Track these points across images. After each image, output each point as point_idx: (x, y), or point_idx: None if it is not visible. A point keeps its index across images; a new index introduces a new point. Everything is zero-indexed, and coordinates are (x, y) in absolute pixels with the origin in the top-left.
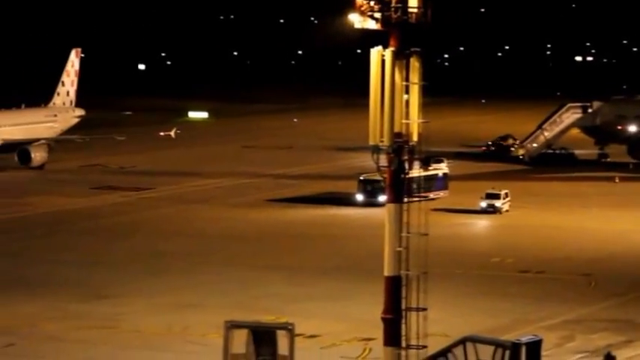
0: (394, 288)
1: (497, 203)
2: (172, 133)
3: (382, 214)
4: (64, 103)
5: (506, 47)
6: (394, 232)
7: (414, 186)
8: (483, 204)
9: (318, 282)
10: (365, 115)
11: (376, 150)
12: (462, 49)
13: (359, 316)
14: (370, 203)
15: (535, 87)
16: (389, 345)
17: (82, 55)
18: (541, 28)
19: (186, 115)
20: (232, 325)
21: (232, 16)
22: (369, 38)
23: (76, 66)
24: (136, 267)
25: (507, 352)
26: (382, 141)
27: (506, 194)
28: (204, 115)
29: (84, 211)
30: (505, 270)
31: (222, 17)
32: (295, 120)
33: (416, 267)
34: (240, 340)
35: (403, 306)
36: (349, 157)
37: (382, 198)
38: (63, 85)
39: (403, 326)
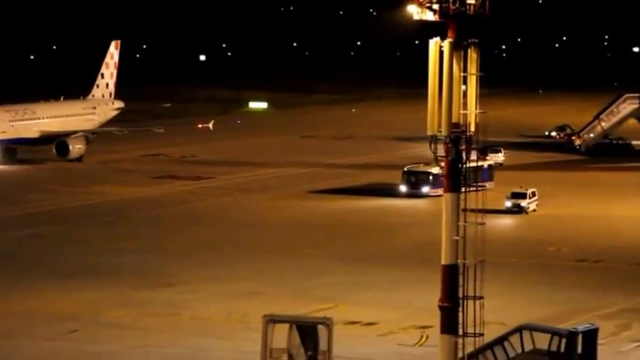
0: (451, 276)
1: (523, 203)
2: (210, 125)
3: (434, 204)
4: (103, 96)
5: (564, 38)
6: (451, 221)
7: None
8: (508, 203)
9: (375, 270)
10: (423, 106)
11: (434, 140)
12: (519, 40)
13: (416, 304)
14: (414, 194)
15: (592, 78)
16: (446, 333)
17: (144, 47)
18: (599, 19)
19: (247, 105)
20: (271, 320)
21: (292, 8)
22: (428, 29)
23: (116, 58)
24: (198, 255)
25: (564, 341)
26: (440, 131)
27: (533, 193)
28: (263, 105)
29: (146, 200)
30: (561, 259)
31: (282, 9)
32: (353, 110)
33: (473, 255)
34: (279, 334)
35: (460, 294)
36: (407, 147)
37: (425, 189)
38: (102, 77)
39: (460, 314)
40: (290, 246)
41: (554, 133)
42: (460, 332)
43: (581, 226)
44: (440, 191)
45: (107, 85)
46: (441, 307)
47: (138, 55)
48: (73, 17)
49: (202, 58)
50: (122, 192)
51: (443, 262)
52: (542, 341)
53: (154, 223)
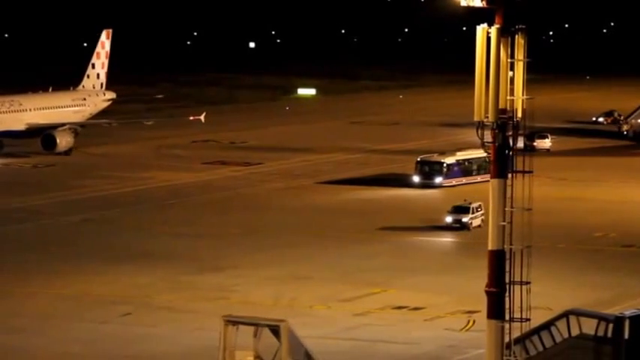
0: (498, 262)
1: (465, 218)
2: (202, 118)
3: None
4: (93, 86)
5: (612, 23)
6: (498, 207)
7: (474, 167)
8: (449, 219)
9: (421, 255)
10: (470, 92)
11: (481, 126)
12: (567, 25)
13: (463, 289)
14: (427, 185)
15: None
16: (492, 318)
17: (196, 33)
18: None
19: (295, 92)
20: (229, 321)
21: None
22: (475, 16)
23: (107, 47)
24: (248, 240)
25: (610, 326)
26: (487, 117)
27: (478, 207)
28: (312, 91)
29: (196, 185)
30: (608, 244)
31: None
32: (401, 97)
33: (519, 241)
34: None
35: (507, 279)
36: (454, 134)
37: (439, 179)
38: (93, 67)
39: (507, 299)
40: (338, 231)
41: (601, 119)
42: (507, 317)
43: (629, 211)
44: (453, 181)
45: (98, 75)
46: (487, 293)
47: (189, 42)
48: (67, 6)
49: (252, 45)
50: (173, 177)
51: (490, 247)
52: (589, 326)
53: (204, 208)
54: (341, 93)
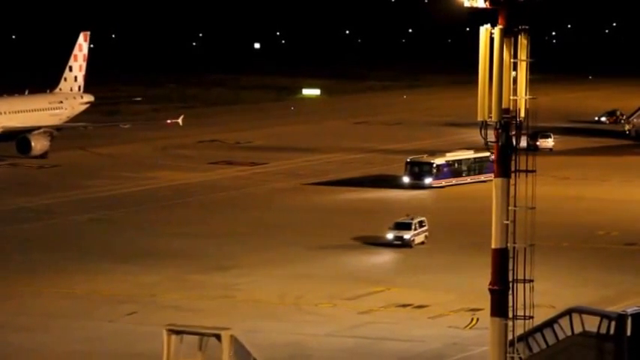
0: (501, 260)
1: (407, 235)
2: (180, 121)
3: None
4: (71, 89)
5: (614, 24)
6: (501, 206)
7: (464, 168)
8: (390, 235)
9: (425, 254)
10: (473, 92)
11: (484, 126)
12: (569, 26)
13: (467, 287)
14: (416, 185)
15: None
16: (496, 315)
17: (201, 35)
18: None
19: (300, 92)
20: (171, 331)
21: None
22: (478, 17)
23: (85, 50)
24: (253, 239)
25: (613, 323)
26: (490, 117)
27: (421, 223)
28: (316, 92)
29: (202, 185)
30: (611, 243)
31: None
32: (405, 97)
33: (522, 239)
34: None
35: (510, 278)
36: (457, 133)
37: (428, 180)
38: (70, 70)
39: (510, 297)
40: (341, 230)
41: (603, 119)
42: (510, 315)
43: (631, 210)
44: (443, 182)
45: (75, 78)
46: (491, 290)
47: (194, 44)
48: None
49: (257, 46)
50: (179, 177)
51: (493, 245)
52: (592, 324)
53: (210, 207)
54: (345, 93)
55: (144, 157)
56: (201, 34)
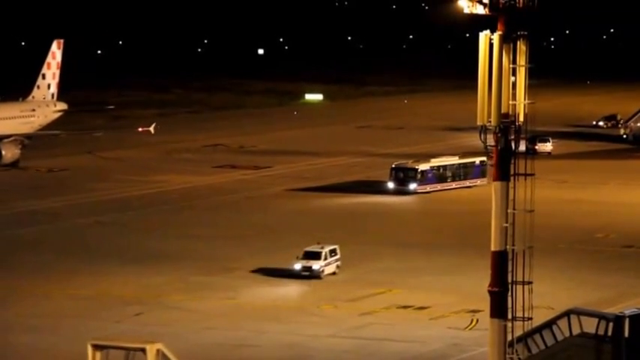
0: (501, 262)
1: (316, 265)
2: (152, 129)
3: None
4: (44, 97)
5: (611, 30)
6: (500, 209)
7: (449, 174)
8: (298, 265)
9: (426, 257)
10: (473, 97)
11: (484, 130)
12: (567, 32)
13: (467, 289)
14: (401, 191)
15: (639, 68)
16: (495, 317)
17: (206, 41)
18: None
19: (303, 97)
20: (96, 346)
21: (346, 3)
22: (478, 23)
23: (58, 58)
24: (257, 242)
25: (611, 325)
26: (490, 121)
27: (333, 251)
28: (319, 97)
29: (207, 188)
30: (609, 245)
31: (337, 3)
32: (405, 101)
33: (521, 242)
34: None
35: (509, 279)
36: (458, 137)
37: (413, 186)
38: (43, 78)
39: (509, 299)
40: (343, 233)
41: (601, 123)
42: (509, 316)
43: (629, 213)
44: (428, 188)
45: (49, 86)
46: (490, 292)
47: (200, 49)
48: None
49: (261, 51)
50: (184, 181)
51: (492, 248)
52: (590, 325)
53: (215, 211)
54: (347, 98)
55: (150, 161)
56: (206, 40)
